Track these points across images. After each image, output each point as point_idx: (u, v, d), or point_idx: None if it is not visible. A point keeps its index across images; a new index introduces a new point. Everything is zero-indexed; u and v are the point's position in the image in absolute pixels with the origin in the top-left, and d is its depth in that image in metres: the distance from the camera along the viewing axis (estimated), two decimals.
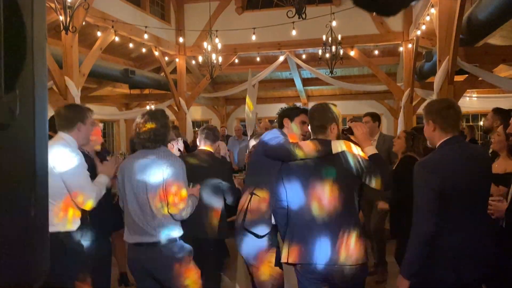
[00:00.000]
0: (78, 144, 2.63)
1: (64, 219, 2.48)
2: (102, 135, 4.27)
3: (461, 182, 2.02)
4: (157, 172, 2.44)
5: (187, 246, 2.59)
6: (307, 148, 2.30)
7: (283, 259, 2.36)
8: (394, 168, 3.76)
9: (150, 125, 2.49)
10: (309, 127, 2.53)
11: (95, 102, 11.95)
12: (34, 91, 0.47)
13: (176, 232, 2.53)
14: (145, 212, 2.47)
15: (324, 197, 2.26)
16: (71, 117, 2.61)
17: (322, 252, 2.22)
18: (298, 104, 13.24)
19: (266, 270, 2.68)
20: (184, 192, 2.47)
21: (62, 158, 2.44)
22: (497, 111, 4.03)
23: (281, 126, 2.78)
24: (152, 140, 2.50)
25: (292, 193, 2.36)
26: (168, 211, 2.46)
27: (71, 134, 2.58)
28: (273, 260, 2.66)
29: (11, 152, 0.44)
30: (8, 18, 0.43)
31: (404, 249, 2.18)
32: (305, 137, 2.57)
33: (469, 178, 2.04)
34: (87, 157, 2.81)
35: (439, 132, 2.13)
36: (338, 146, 2.27)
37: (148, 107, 11.98)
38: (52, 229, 2.43)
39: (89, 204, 2.52)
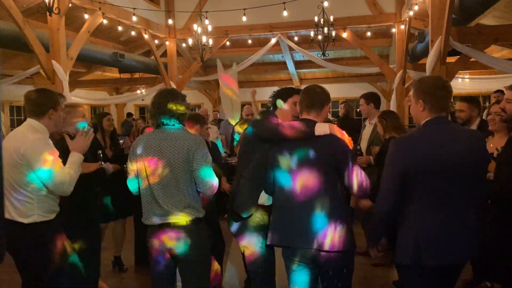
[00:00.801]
0: (49, 131, 2.53)
1: (40, 208, 2.42)
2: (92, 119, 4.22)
3: (435, 162, 1.93)
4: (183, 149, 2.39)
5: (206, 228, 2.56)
6: (290, 130, 2.29)
7: (268, 241, 2.38)
8: (378, 152, 3.77)
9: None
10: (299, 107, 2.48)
11: (84, 86, 11.79)
12: None
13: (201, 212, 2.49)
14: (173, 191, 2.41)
15: (307, 180, 2.25)
16: (42, 103, 2.48)
17: (303, 236, 2.23)
18: (291, 87, 13.16)
19: (255, 250, 2.68)
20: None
21: (29, 147, 2.33)
22: (472, 100, 3.86)
23: (274, 107, 2.74)
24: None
25: (277, 176, 2.36)
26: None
27: (41, 121, 2.48)
28: (261, 240, 2.65)
29: None
30: None
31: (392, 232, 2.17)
32: (297, 118, 2.53)
33: (446, 159, 1.93)
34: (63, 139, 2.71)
35: (427, 111, 2.03)
36: (321, 128, 2.26)
37: (138, 91, 11.85)
38: (28, 220, 2.39)
39: (65, 190, 2.43)
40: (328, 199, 2.23)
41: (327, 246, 2.19)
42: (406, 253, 1.97)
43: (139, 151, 2.45)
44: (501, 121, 2.93)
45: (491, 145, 3.03)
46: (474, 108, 3.78)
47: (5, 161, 2.35)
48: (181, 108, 2.46)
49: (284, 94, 2.72)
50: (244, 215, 2.60)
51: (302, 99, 2.40)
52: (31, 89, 2.56)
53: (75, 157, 2.55)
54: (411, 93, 2.17)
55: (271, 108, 2.77)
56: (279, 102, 2.67)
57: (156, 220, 2.41)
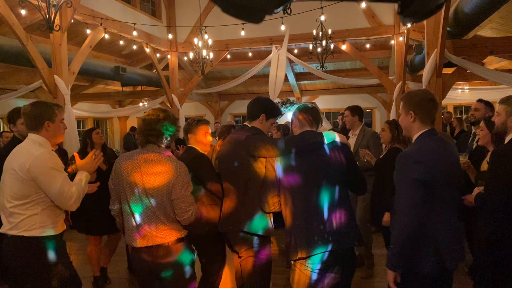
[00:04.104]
0: (51, 143, 2.52)
1: (44, 222, 2.40)
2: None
3: (441, 173, 2.04)
4: (164, 174, 2.38)
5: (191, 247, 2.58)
6: (301, 141, 2.44)
7: (293, 257, 2.37)
8: (380, 158, 3.81)
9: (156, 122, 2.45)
10: (297, 123, 2.61)
11: (87, 100, 11.92)
12: None
13: (183, 232, 2.50)
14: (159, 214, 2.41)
15: (324, 189, 2.36)
16: (37, 116, 2.46)
17: (326, 239, 2.31)
18: (292, 98, 13.25)
19: (253, 262, 2.71)
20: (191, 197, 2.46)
21: (34, 162, 2.33)
22: (487, 103, 4.13)
23: (254, 117, 2.80)
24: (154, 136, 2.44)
25: (291, 189, 2.43)
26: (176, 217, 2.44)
27: (40, 134, 2.46)
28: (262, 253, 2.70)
29: None
30: None
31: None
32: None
33: (448, 169, 2.07)
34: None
35: (418, 123, 2.13)
36: (330, 136, 2.44)
37: (141, 104, 11.97)
38: (33, 233, 2.37)
39: (71, 206, 2.43)
40: (343, 203, 2.42)
41: (343, 244, 2.34)
42: (427, 261, 2.04)
43: (120, 170, 2.45)
44: (492, 137, 2.96)
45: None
46: (490, 111, 4.03)
47: (9, 177, 2.39)
48: (170, 129, 2.49)
49: (272, 112, 2.88)
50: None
51: (309, 115, 2.57)
52: (27, 104, 2.55)
53: (83, 175, 2.55)
54: (400, 106, 2.23)
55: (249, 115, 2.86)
56: (263, 117, 2.79)
57: (139, 242, 2.41)
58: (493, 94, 10.59)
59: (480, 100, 4.31)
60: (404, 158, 2.09)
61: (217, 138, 3.87)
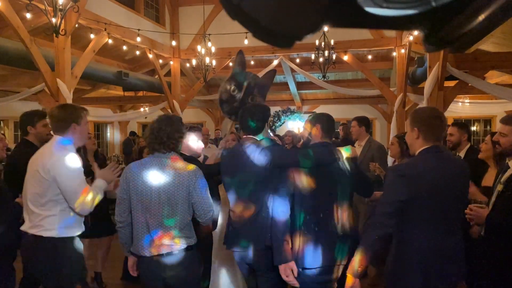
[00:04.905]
0: (75, 146, 2.56)
1: (62, 223, 2.44)
2: (96, 137, 4.34)
3: (435, 189, 2.01)
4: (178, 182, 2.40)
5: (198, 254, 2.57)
6: (320, 156, 2.45)
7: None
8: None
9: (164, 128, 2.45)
10: (313, 132, 2.62)
11: (89, 104, 11.92)
12: None
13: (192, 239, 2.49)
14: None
15: (340, 201, 2.43)
16: (65, 118, 2.50)
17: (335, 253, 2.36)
18: (293, 107, 13.28)
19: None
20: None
21: (56, 162, 2.38)
22: (460, 125, 3.91)
23: (260, 129, 2.77)
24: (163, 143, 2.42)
25: (307, 200, 2.42)
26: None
27: (66, 136, 2.50)
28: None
29: None
30: None
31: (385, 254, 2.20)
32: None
33: (444, 186, 2.03)
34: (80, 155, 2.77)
35: (421, 140, 2.12)
36: (344, 152, 2.52)
37: (142, 109, 11.99)
38: (51, 233, 2.41)
39: (85, 211, 2.45)
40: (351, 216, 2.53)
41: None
42: (414, 280, 2.01)
43: (132, 179, 2.43)
44: (495, 154, 2.95)
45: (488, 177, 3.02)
46: (464, 133, 3.83)
47: (32, 177, 2.44)
48: (177, 135, 2.48)
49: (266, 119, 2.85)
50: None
51: (325, 124, 2.59)
52: (54, 106, 2.62)
53: (101, 183, 2.58)
54: (407, 122, 2.26)
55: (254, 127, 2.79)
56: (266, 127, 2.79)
57: (150, 250, 2.40)
58: (493, 108, 10.65)
59: (453, 124, 4.04)
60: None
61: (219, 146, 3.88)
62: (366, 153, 4.44)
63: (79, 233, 2.55)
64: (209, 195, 2.47)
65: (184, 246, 2.41)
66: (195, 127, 3.26)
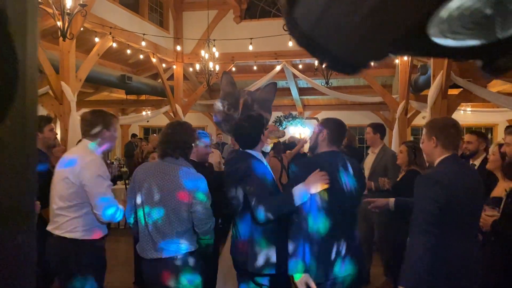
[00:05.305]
0: (102, 150, 2.65)
1: (88, 227, 2.52)
2: None
3: (461, 197, 2.07)
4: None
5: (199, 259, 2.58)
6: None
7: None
8: (398, 181, 3.77)
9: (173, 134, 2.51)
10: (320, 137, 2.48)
11: (91, 106, 11.94)
12: (26, 121, 0.49)
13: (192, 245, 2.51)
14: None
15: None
16: (95, 123, 2.59)
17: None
18: (294, 113, 13.31)
19: None
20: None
21: (84, 167, 2.45)
22: (480, 134, 4.02)
23: (255, 142, 2.61)
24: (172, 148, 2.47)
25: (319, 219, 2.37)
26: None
27: (95, 141, 2.58)
28: None
29: None
30: (0, 51, 0.45)
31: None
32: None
33: (468, 194, 2.10)
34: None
35: (440, 148, 2.18)
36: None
37: (144, 113, 12.00)
38: (74, 235, 2.48)
39: (104, 213, 2.49)
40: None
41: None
42: (440, 284, 2.04)
43: (140, 181, 2.47)
44: (503, 165, 2.96)
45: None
46: (482, 142, 3.87)
47: (59, 179, 2.52)
48: (187, 141, 2.52)
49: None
50: None
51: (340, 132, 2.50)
52: (87, 111, 2.71)
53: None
54: (423, 133, 2.29)
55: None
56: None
57: (151, 253, 2.43)
58: (495, 117, 10.68)
59: (472, 132, 4.12)
60: (423, 179, 2.15)
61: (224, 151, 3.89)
62: (380, 161, 4.39)
63: (102, 236, 2.60)
64: (209, 206, 2.45)
65: (184, 252, 2.43)
66: (204, 132, 3.28)
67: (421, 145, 2.35)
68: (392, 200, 2.88)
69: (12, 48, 0.47)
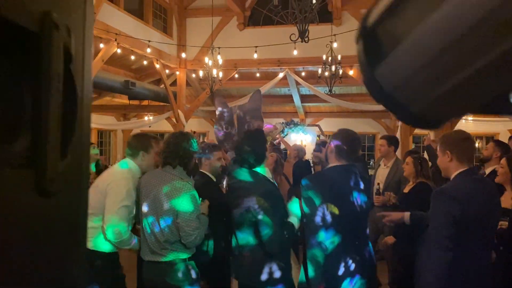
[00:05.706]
0: (142, 171, 2.78)
1: (101, 237, 2.59)
2: (99, 144, 4.45)
3: (478, 212, 2.07)
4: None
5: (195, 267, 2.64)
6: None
7: None
8: (406, 193, 3.65)
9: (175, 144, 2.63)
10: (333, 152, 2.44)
11: (93, 111, 11.95)
12: (82, 155, 0.50)
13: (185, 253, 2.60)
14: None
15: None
16: (136, 146, 2.81)
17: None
18: (296, 119, 13.32)
19: None
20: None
21: (113, 181, 2.59)
22: (499, 143, 4.03)
23: (260, 160, 2.59)
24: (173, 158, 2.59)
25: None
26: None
27: (135, 161, 2.79)
28: None
29: (55, 221, 0.46)
30: (65, 88, 0.46)
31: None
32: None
33: (485, 209, 2.11)
34: None
35: (455, 162, 2.18)
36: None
37: (146, 118, 12.01)
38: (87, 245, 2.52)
39: (108, 231, 2.54)
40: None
41: None
42: None
43: (140, 189, 2.65)
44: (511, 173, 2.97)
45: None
46: (498, 151, 3.80)
47: (91, 189, 2.61)
48: (188, 151, 2.60)
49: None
50: None
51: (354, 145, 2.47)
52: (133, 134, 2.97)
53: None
54: (438, 147, 2.32)
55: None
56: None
57: (148, 256, 2.57)
58: (496, 126, 10.70)
59: (495, 141, 4.14)
60: (439, 194, 2.16)
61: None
62: (393, 176, 4.27)
63: (112, 249, 2.62)
64: (194, 218, 2.46)
65: (176, 257, 2.51)
66: (216, 146, 3.33)
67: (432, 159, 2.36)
68: (407, 214, 2.84)
69: (72, 81, 0.48)
